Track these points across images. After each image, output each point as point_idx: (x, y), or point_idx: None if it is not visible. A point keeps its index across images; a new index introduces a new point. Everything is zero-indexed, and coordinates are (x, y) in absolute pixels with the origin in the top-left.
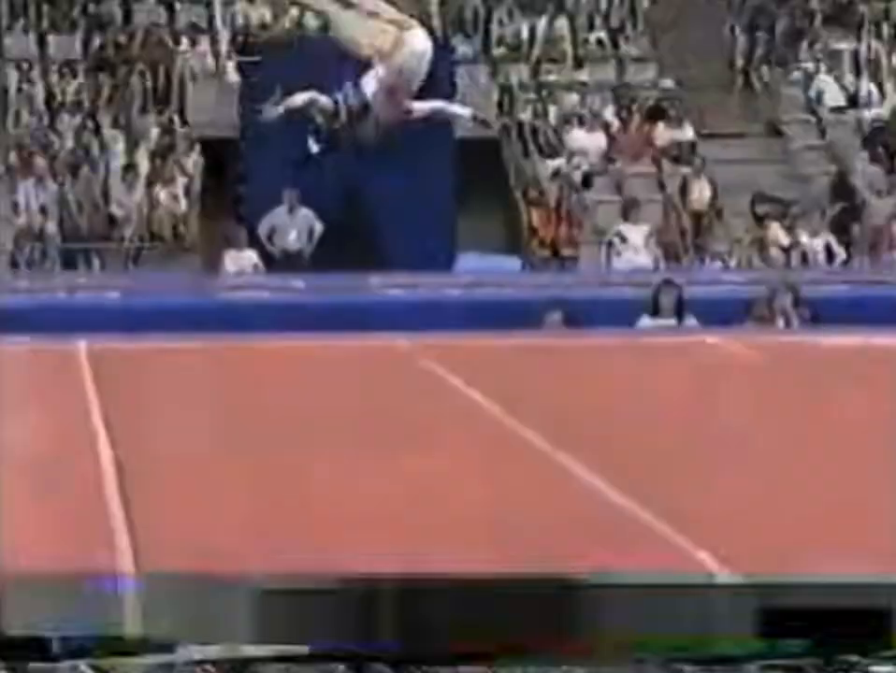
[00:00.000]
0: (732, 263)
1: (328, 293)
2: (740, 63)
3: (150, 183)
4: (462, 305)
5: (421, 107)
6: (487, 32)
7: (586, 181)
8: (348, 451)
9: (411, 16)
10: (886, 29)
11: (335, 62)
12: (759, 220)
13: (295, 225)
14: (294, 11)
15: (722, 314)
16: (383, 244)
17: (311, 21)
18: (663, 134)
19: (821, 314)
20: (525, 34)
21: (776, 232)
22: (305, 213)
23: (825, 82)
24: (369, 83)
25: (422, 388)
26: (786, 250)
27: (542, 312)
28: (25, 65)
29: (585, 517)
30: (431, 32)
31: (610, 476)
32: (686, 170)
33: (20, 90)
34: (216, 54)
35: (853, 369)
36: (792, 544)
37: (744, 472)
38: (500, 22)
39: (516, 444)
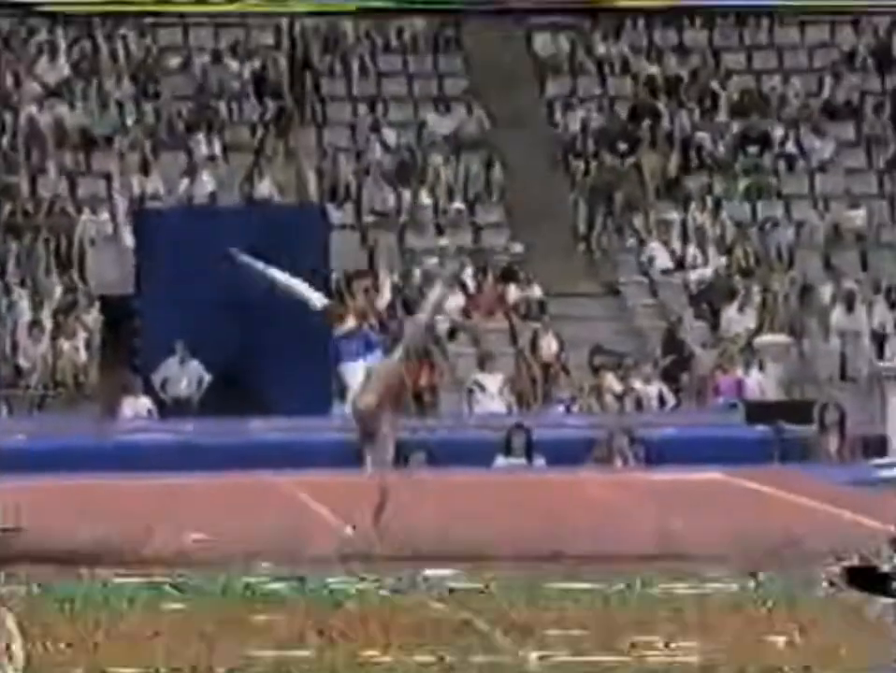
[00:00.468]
0: (575, 408)
1: (215, 436)
2: (582, 230)
3: (54, 337)
4: (337, 446)
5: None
6: (359, 201)
7: (452, 335)
8: None
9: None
10: (709, 202)
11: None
12: (596, 370)
13: (185, 375)
14: (184, 181)
15: (567, 454)
16: (266, 392)
17: (199, 191)
18: (514, 293)
19: (654, 453)
20: (391, 203)
21: (611, 381)
22: (195, 364)
23: (656, 248)
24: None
25: (294, 516)
26: (619, 397)
27: (408, 452)
28: None
29: None
30: (308, 200)
31: None
32: (535, 326)
33: None
34: (114, 221)
35: (678, 499)
36: None
37: None
38: (371, 193)
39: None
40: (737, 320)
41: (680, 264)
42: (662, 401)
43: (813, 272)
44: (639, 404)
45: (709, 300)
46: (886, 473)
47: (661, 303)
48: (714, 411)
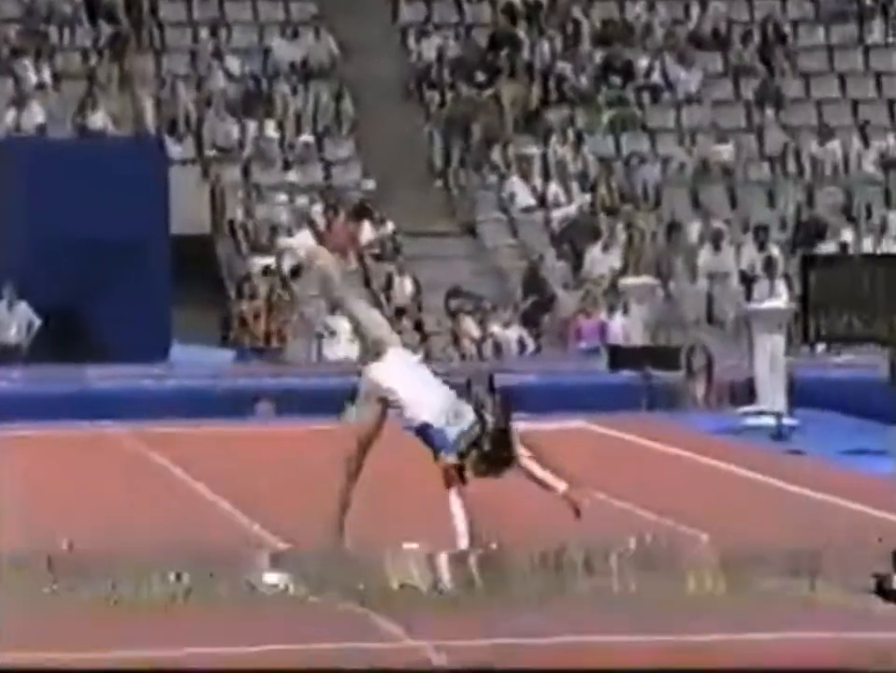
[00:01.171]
0: (420, 353)
1: (47, 385)
2: (438, 166)
3: None
4: (176, 394)
5: None
6: (200, 133)
7: (295, 273)
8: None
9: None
10: (571, 135)
11: None
12: (454, 314)
13: (13, 319)
14: (11, 111)
15: None
16: (101, 337)
17: (28, 122)
18: (367, 232)
19: (515, 401)
20: (235, 136)
21: (469, 325)
22: (23, 308)
23: (516, 184)
24: None
25: (132, 468)
26: (478, 343)
27: (253, 401)
28: None
29: None
30: (145, 133)
31: None
32: (389, 267)
33: None
34: None
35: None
36: None
37: None
38: (213, 125)
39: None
40: (601, 260)
41: (541, 202)
42: (522, 346)
43: (680, 210)
44: (498, 349)
45: (571, 240)
46: (753, 421)
47: (522, 243)
48: (576, 357)
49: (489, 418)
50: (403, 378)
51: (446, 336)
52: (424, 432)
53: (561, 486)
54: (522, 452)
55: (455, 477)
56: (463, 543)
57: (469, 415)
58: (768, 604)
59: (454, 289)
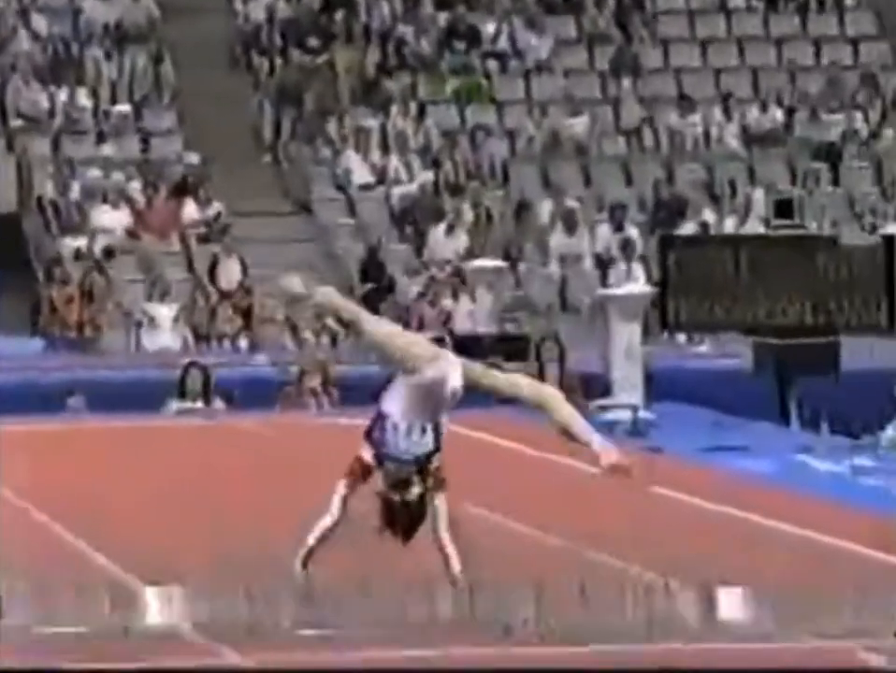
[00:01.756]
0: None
1: None
2: (268, 138)
3: None
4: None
5: None
6: (2, 101)
7: (109, 255)
8: None
9: None
10: (412, 106)
11: None
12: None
13: None
14: None
15: (252, 396)
16: None
17: None
18: (191, 211)
19: (351, 393)
20: (44, 104)
21: (308, 311)
22: None
23: (353, 159)
24: None
25: None
26: (317, 332)
27: (65, 395)
28: None
29: None
30: None
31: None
32: (215, 248)
33: None
34: None
35: None
36: None
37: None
38: (18, 92)
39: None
40: (445, 242)
41: (380, 179)
42: None
43: (529, 188)
44: (334, 339)
45: (413, 220)
46: (608, 416)
47: (359, 223)
48: None
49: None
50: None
51: (281, 323)
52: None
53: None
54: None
55: (359, 476)
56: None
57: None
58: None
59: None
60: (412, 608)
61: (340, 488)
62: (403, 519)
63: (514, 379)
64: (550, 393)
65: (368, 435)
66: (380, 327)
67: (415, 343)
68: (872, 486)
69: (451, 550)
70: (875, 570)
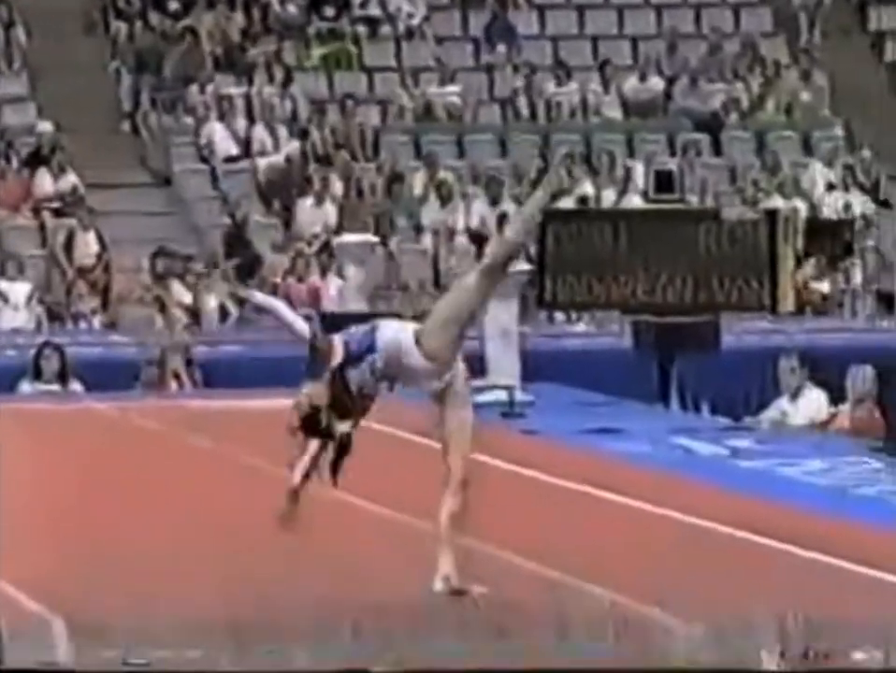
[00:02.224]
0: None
1: None
2: (126, 107)
3: None
4: None
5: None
6: None
7: None
8: None
9: None
10: (278, 73)
11: None
12: (160, 277)
13: None
14: None
15: (111, 378)
16: None
17: None
18: (44, 183)
19: (216, 375)
20: None
21: (178, 290)
22: None
23: (216, 129)
24: None
25: None
26: (189, 310)
27: None
28: None
29: None
30: None
31: None
32: (70, 222)
33: None
34: None
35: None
36: None
37: None
38: None
39: None
40: (313, 216)
41: (245, 149)
42: (224, 314)
43: (401, 159)
44: (196, 317)
45: (280, 192)
46: (482, 397)
47: (224, 195)
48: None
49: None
50: None
51: (149, 301)
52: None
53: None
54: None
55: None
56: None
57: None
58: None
59: (159, 249)
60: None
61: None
62: (326, 439)
63: None
64: None
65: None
66: None
67: None
68: (751, 469)
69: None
70: (753, 554)
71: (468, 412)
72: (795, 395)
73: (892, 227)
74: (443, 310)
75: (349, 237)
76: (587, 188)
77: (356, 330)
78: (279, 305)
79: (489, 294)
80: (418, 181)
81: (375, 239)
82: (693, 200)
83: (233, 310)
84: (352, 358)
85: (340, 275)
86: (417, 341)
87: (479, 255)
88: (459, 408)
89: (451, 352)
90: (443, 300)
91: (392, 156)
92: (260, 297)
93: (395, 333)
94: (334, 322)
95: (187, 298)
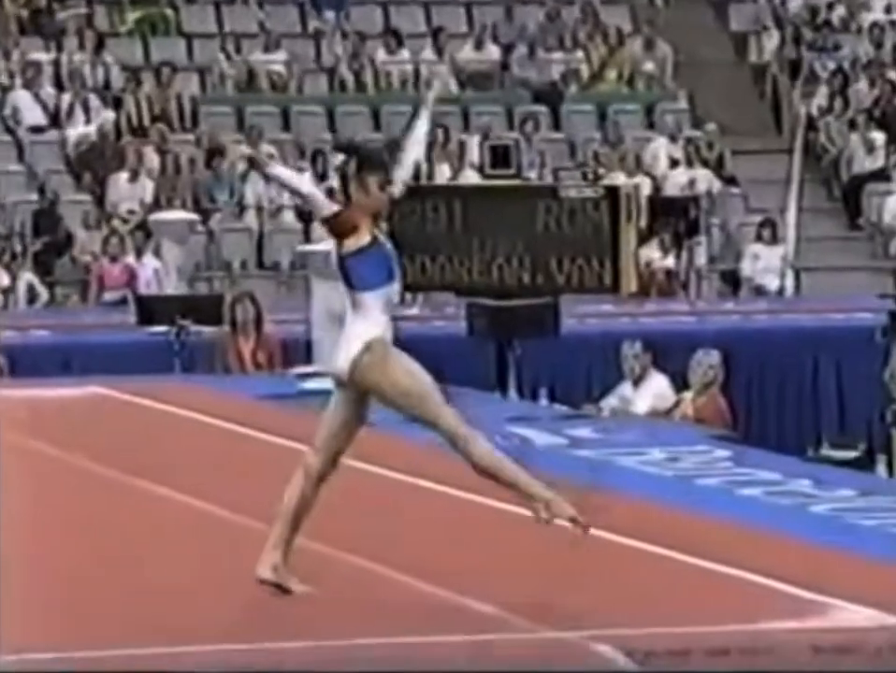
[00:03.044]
0: None
1: None
2: None
3: None
4: None
5: None
6: None
7: None
8: None
9: None
10: (89, 39)
11: None
12: None
13: None
14: None
15: None
16: None
17: None
18: None
19: (23, 363)
20: None
21: None
22: None
23: (22, 98)
24: None
25: None
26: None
27: None
28: None
29: None
30: None
31: None
32: None
33: None
34: None
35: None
36: None
37: None
38: None
39: None
40: (128, 192)
41: (54, 120)
42: (32, 296)
43: (222, 131)
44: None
45: (92, 166)
46: (310, 385)
47: (30, 169)
48: (99, 310)
49: None
50: None
51: None
52: None
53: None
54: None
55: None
56: None
57: None
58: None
59: None
60: None
61: None
62: None
63: None
64: None
65: None
66: None
67: None
68: (588, 458)
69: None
70: (591, 548)
71: None
72: (638, 382)
73: (738, 205)
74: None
75: (166, 215)
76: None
77: None
78: (300, 181)
79: None
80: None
81: (194, 217)
82: (531, 176)
83: (43, 293)
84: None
85: (157, 255)
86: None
87: (306, 233)
88: None
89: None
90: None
91: (212, 128)
92: (279, 170)
93: None
94: (150, 306)
95: (5, 279)
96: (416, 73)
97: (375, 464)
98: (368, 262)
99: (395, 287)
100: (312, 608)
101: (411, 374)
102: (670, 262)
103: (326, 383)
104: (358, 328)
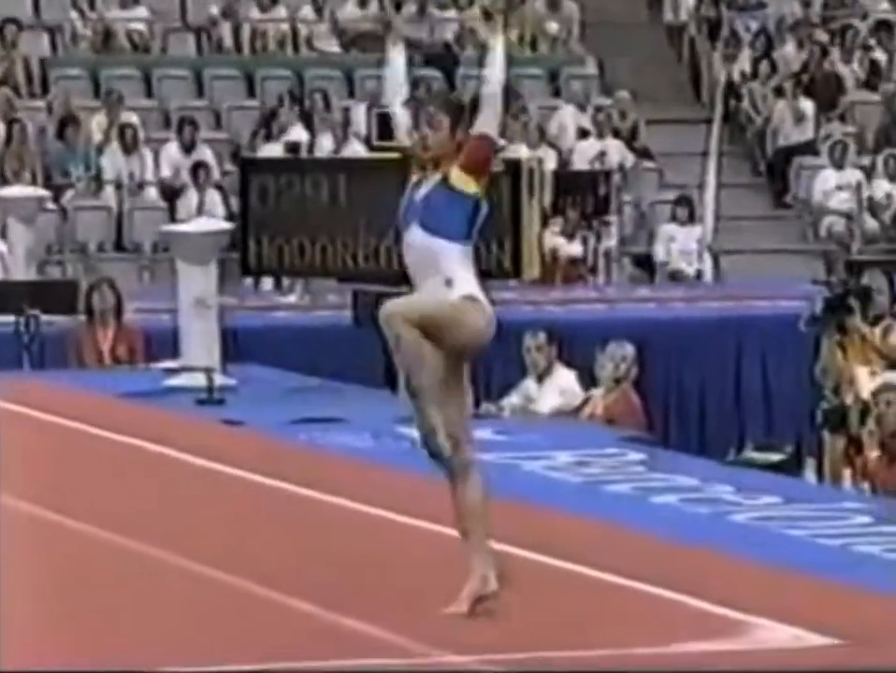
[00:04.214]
0: None
1: None
2: None
3: None
4: None
5: None
6: None
7: None
8: None
9: None
10: None
11: None
12: None
13: None
14: None
15: None
16: None
17: None
18: None
19: None
20: None
21: None
22: None
23: None
24: None
25: None
26: None
27: None
28: None
29: None
30: None
31: None
32: None
33: None
34: None
35: None
36: None
37: None
38: None
39: None
40: None
41: None
42: None
43: (77, 97)
44: None
45: None
46: (176, 381)
47: None
48: None
49: None
50: None
51: None
52: None
53: None
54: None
55: None
56: None
57: None
58: None
59: None
60: None
61: None
62: None
63: None
64: None
65: None
66: None
67: None
68: (488, 463)
69: None
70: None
71: None
72: (542, 377)
73: (653, 180)
74: None
75: (12, 191)
76: (300, 133)
77: None
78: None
79: None
80: (97, 125)
81: (45, 193)
82: None
83: None
84: None
85: (3, 236)
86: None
87: (171, 212)
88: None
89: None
90: None
91: (64, 94)
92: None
93: None
94: None
95: None
96: (294, 33)
97: (250, 470)
98: None
99: None
100: None
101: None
102: (576, 246)
103: (195, 379)
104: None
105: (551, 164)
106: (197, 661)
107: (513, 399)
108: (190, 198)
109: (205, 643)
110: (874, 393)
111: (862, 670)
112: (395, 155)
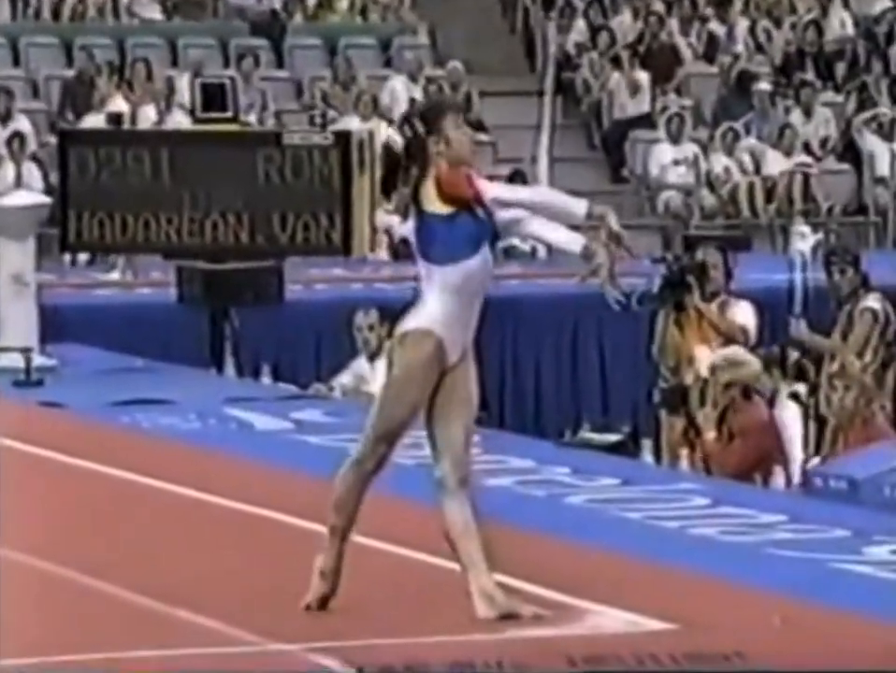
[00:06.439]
0: None
1: None
2: None
3: None
4: None
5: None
6: None
7: None
8: None
9: None
10: None
11: None
12: None
13: None
14: None
15: None
16: None
17: None
18: None
19: None
20: None
21: None
22: None
23: None
24: None
25: None
26: None
27: None
28: None
29: None
30: None
31: None
32: None
33: None
34: None
35: None
36: None
37: None
38: None
39: None
40: None
41: None
42: None
43: None
44: None
45: None
46: None
47: None
48: None
49: None
50: None
51: None
52: None
53: None
54: None
55: None
56: None
57: None
58: None
59: None
60: None
61: None
62: None
63: None
64: None
65: None
66: None
67: None
68: (319, 445)
69: None
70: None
71: None
72: (374, 357)
73: (486, 154)
74: None
75: None
76: (120, 104)
77: None
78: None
79: None
80: None
81: None
82: (250, 120)
83: None
84: None
85: None
86: None
87: None
88: None
89: None
90: None
91: None
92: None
93: None
94: None
95: None
96: (114, 0)
97: (69, 454)
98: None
99: None
100: None
101: None
102: (409, 226)
103: (12, 360)
104: None
105: (383, 136)
106: (13, 652)
107: (343, 379)
108: (6, 170)
109: (23, 633)
110: (711, 372)
111: (697, 654)
112: (220, 128)
